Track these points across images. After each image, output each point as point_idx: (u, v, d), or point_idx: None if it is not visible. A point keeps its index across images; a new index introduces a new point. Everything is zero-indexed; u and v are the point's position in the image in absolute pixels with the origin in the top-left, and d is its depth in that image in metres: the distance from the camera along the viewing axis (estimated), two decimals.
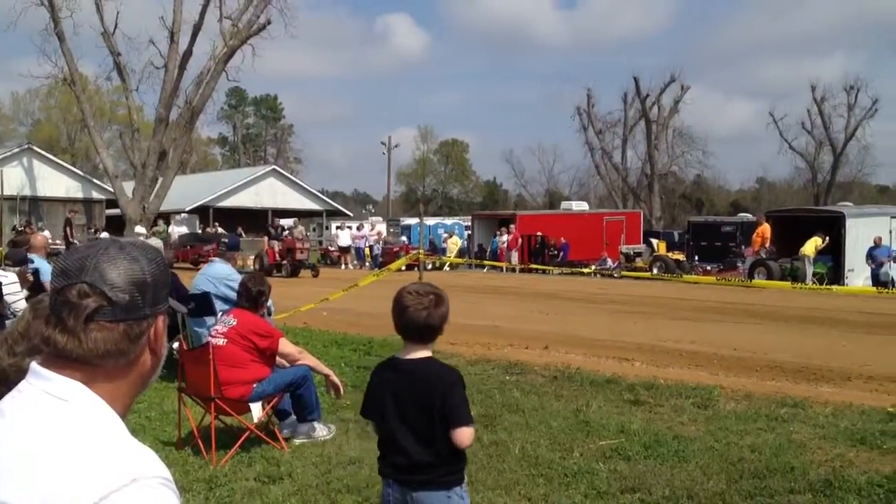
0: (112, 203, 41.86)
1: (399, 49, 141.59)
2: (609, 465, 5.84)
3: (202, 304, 8.23)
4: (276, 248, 29.69)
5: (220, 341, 6.35)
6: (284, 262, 28.95)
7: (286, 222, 48.06)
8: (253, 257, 30.36)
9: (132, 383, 1.45)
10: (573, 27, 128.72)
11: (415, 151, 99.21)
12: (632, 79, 67.73)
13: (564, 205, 44.08)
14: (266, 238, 33.00)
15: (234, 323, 6.46)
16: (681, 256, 32.57)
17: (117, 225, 39.19)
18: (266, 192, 53.07)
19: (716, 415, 7.41)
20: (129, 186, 39.41)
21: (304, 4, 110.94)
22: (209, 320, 8.09)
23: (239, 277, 7.82)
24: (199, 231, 46.47)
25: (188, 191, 49.24)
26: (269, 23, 37.64)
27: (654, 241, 36.71)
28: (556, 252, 34.46)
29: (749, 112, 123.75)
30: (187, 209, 47.36)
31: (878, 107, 64.64)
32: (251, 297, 6.61)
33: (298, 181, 59.17)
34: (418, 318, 3.30)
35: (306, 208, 55.38)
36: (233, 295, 7.66)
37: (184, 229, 41.65)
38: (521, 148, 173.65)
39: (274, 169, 58.48)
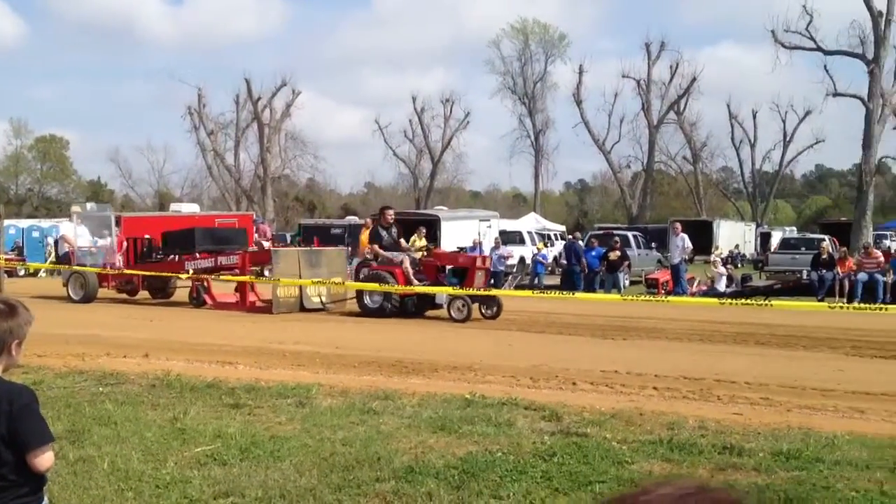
0: None
1: None
2: (203, 472, 5.76)
3: None
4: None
5: None
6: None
7: None
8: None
9: None
10: (183, 24, 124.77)
11: (6, 147, 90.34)
12: (243, 80, 67.49)
13: (174, 206, 42.69)
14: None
15: None
16: None
17: None
18: None
19: (313, 412, 7.62)
20: None
21: None
22: None
23: None
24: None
25: None
26: None
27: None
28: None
29: (357, 119, 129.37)
30: None
31: (470, 119, 71.60)
32: None
33: None
34: None
35: None
36: None
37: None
38: (129, 147, 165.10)
39: None
